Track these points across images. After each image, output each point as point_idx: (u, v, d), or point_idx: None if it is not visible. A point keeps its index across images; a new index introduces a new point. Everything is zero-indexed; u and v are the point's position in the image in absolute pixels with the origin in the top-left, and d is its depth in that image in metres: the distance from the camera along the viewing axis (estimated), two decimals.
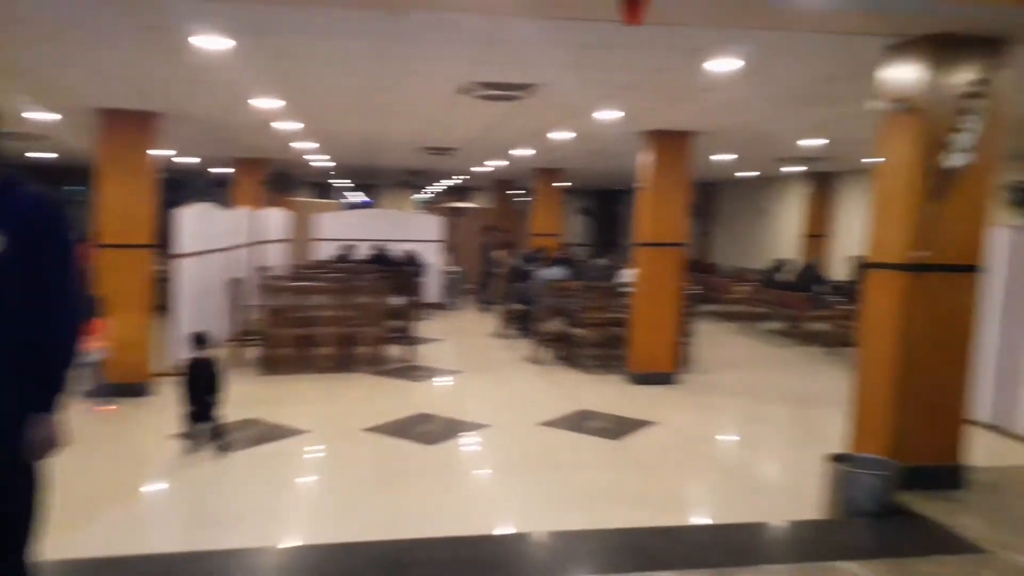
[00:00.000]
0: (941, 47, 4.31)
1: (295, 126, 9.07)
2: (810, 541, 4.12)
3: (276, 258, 13.30)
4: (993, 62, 4.31)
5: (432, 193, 25.99)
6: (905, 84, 4.47)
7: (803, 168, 13.93)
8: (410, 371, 9.15)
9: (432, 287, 14.30)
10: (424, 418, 7.05)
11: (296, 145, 11.38)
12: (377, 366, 9.18)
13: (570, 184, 19.92)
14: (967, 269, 4.53)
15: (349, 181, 22.59)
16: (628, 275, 9.81)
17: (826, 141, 9.60)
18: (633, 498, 5.24)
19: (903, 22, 4.17)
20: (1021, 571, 3.49)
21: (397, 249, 14.07)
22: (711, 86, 5.94)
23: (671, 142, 8.50)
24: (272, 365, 8.83)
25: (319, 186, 23.11)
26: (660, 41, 4.70)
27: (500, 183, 19.11)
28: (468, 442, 6.49)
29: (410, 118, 8.43)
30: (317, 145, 11.67)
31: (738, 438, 7.19)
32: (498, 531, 4.74)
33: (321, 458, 6.13)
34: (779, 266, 14.18)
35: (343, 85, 6.50)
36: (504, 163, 13.67)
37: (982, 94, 4.25)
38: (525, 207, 18.91)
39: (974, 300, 4.57)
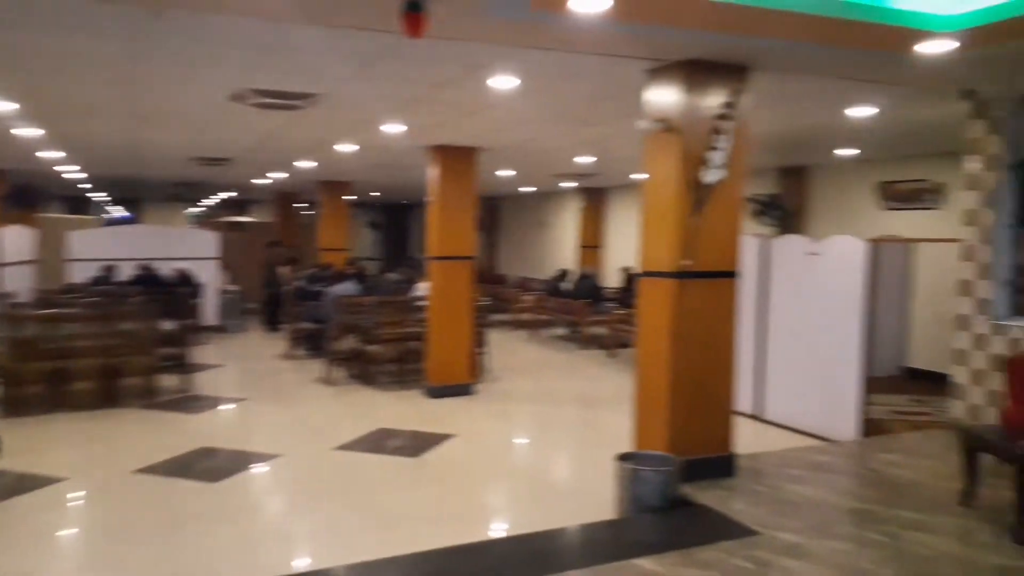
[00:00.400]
0: (694, 72, 4.72)
1: (35, 133, 8.00)
2: (605, 541, 4.28)
3: (18, 283, 11.66)
4: (738, 87, 4.80)
5: (206, 207, 24.29)
6: (665, 105, 4.84)
7: (577, 184, 14.76)
8: (187, 402, 8.42)
9: (209, 308, 13.32)
10: (206, 453, 6.50)
11: (42, 155, 10.06)
12: (148, 399, 8.33)
13: (357, 197, 19.57)
14: (725, 275, 4.99)
15: (107, 195, 20.43)
16: (422, 289, 9.77)
17: (595, 159, 10.22)
18: (435, 516, 5.17)
19: (660, 47, 4.52)
20: (789, 547, 3.88)
21: (167, 268, 12.93)
22: (492, 103, 6.07)
23: (457, 157, 8.61)
24: (17, 406, 7.71)
25: (76, 200, 20.66)
26: (442, 56, 4.71)
27: (283, 196, 18.28)
28: (258, 475, 6.06)
29: (177, 126, 7.78)
30: (64, 155, 10.39)
31: (534, 444, 7.39)
32: (294, 569, 4.44)
33: (84, 508, 5.42)
34: (562, 276, 14.90)
35: (93, 88, 5.83)
36: (286, 175, 13.09)
37: (730, 116, 4.71)
38: (311, 221, 18.26)
39: (733, 303, 5.04)
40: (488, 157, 9.29)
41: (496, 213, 21.52)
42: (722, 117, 4.70)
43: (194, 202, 22.82)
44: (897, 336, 9.49)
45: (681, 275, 4.80)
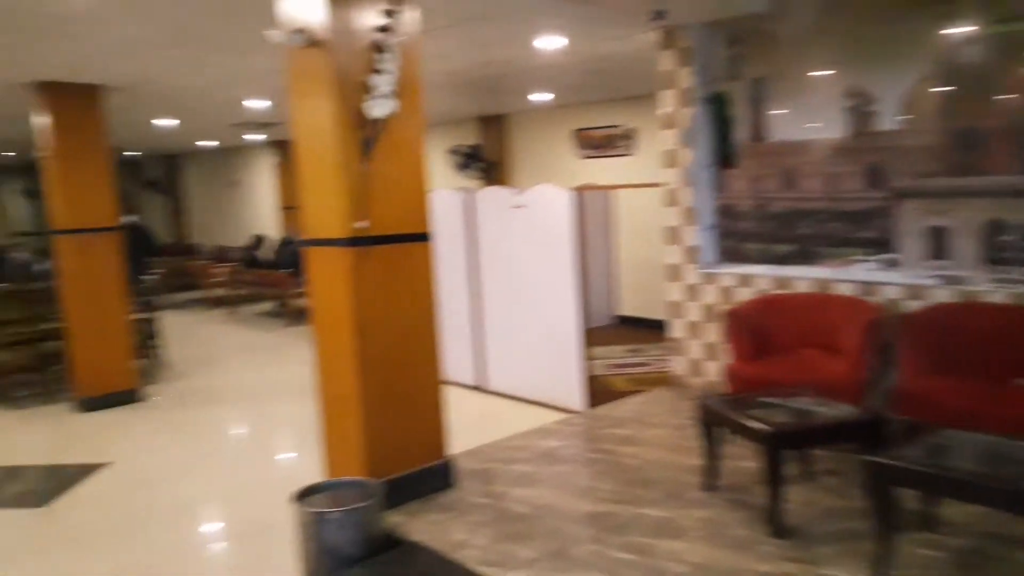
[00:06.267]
0: None
1: None
2: None
3: None
4: None
5: None
6: (303, 8, 3.60)
7: (265, 136, 12.92)
8: None
9: None
10: None
11: None
12: None
13: None
14: (415, 238, 3.93)
15: None
16: None
17: (269, 102, 8.59)
18: None
19: None
20: None
21: None
22: (60, 14, 4.38)
23: (72, 99, 6.53)
24: None
25: None
26: None
27: None
28: None
29: None
30: None
31: (215, 468, 5.44)
32: None
33: None
34: (257, 242, 13.08)
35: None
36: None
37: (392, 27, 3.59)
38: None
39: (428, 272, 4.01)
40: (129, 101, 7.31)
41: (177, 173, 18.68)
42: (383, 29, 3.57)
43: None
44: (607, 285, 9.34)
45: (357, 241, 3.64)
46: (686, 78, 5.79)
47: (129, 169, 19.09)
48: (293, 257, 11.84)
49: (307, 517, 3.35)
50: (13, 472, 5.29)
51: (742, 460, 4.19)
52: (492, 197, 6.53)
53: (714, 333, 5.69)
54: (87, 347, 6.77)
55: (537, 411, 5.89)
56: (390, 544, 3.49)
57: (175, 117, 9.79)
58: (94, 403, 6.74)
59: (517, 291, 6.27)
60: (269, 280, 11.55)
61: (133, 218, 11.87)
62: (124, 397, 6.92)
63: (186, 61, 6.01)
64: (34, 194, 21.99)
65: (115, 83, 6.63)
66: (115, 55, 5.58)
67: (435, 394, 4.06)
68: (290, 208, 14.34)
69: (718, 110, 5.82)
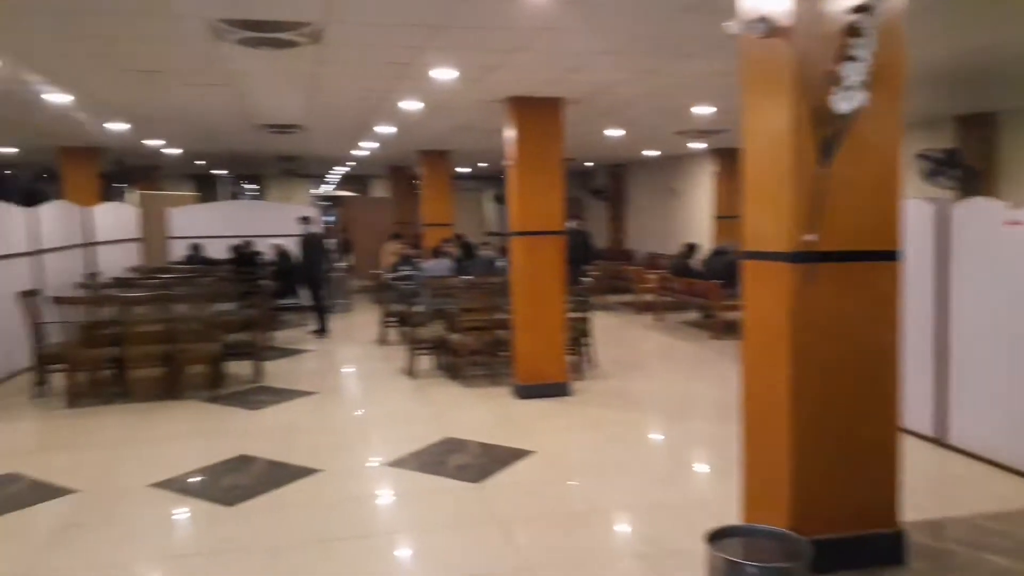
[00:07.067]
0: None
1: (62, 99, 7.12)
2: None
3: (118, 261, 11.48)
4: None
5: (333, 184, 24.15)
6: None
7: (706, 144, 12.79)
8: (252, 395, 7.64)
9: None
10: (241, 463, 5.56)
11: (112, 127, 9.40)
12: (214, 390, 7.65)
13: (471, 170, 18.62)
14: (878, 256, 3.24)
15: (228, 172, 20.38)
16: None
17: (715, 108, 8.34)
18: None
19: None
20: None
21: (266, 246, 12.45)
22: (533, 26, 4.62)
23: (537, 112, 7.12)
24: (78, 395, 7.30)
25: (201, 179, 20.84)
26: None
27: (396, 169, 17.60)
28: (280, 501, 4.91)
29: (177, 80, 6.57)
30: (128, 127, 9.40)
31: (629, 474, 5.43)
32: None
33: (84, 529, 4.44)
34: (689, 251, 13.03)
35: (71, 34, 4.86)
36: (376, 145, 12.06)
37: (871, 7, 2.95)
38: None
39: (892, 297, 3.29)
40: (583, 113, 7.73)
41: (620, 182, 19.76)
42: (860, 9, 2.95)
43: (316, 178, 22.56)
44: None
45: (803, 257, 3.12)
46: None
47: (579, 178, 20.85)
48: (725, 268, 11.50)
49: (721, 564, 2.97)
50: (460, 445, 5.92)
51: None
52: (975, 210, 5.34)
53: None
54: (528, 339, 7.35)
55: (1019, 482, 4.62)
56: None
57: (622, 127, 10.23)
58: (528, 391, 7.28)
59: (1003, 325, 5.02)
60: (698, 290, 11.41)
61: (574, 223, 12.79)
62: (554, 389, 7.35)
63: (636, 69, 6.09)
64: (501, 199, 25.57)
65: (572, 95, 7.06)
66: (573, 67, 5.89)
67: (889, 446, 3.33)
68: (724, 218, 14.08)
69: None
